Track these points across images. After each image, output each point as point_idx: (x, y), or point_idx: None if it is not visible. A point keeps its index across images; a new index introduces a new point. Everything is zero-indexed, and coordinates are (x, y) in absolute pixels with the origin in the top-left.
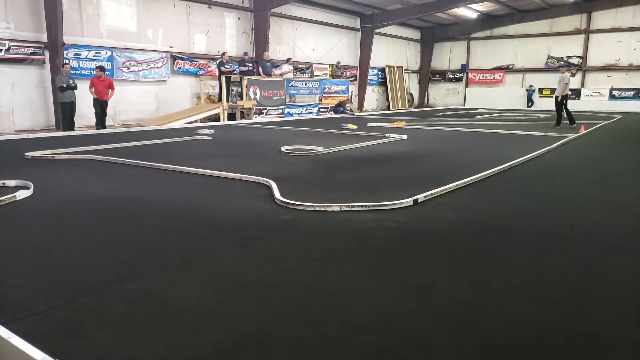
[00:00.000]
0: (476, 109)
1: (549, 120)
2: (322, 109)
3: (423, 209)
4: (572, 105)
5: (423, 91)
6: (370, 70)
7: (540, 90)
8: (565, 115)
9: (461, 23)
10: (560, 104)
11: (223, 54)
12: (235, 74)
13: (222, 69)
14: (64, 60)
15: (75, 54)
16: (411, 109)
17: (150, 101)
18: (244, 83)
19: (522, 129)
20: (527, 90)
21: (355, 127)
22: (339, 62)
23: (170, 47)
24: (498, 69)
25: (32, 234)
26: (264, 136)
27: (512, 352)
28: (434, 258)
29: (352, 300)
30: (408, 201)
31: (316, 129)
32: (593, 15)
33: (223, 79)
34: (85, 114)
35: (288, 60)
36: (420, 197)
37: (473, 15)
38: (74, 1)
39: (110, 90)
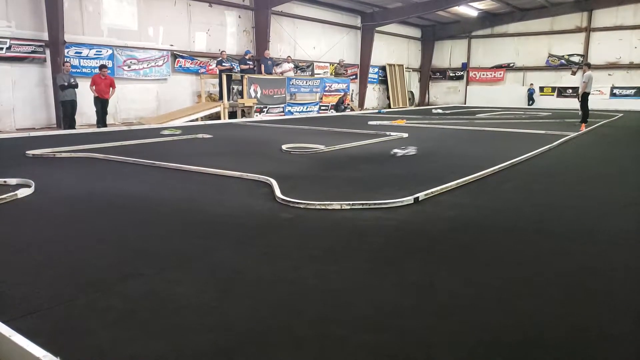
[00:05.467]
0: (477, 107)
1: (550, 119)
2: (322, 107)
3: (424, 207)
4: (573, 103)
5: (424, 89)
6: (371, 68)
7: (541, 89)
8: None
9: (462, 21)
10: (582, 100)
11: (222, 52)
12: (235, 72)
13: (220, 67)
14: (65, 59)
15: (76, 53)
16: (412, 107)
17: (151, 99)
18: (244, 81)
19: (523, 127)
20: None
21: None
22: (342, 60)
23: (171, 45)
24: (499, 67)
25: (34, 232)
26: (265, 134)
27: (513, 350)
28: (435, 256)
29: (353, 298)
30: (409, 199)
31: (317, 127)
32: (594, 13)
33: (224, 77)
34: (86, 112)
35: (287, 58)
36: (421, 195)
37: (474, 13)
38: None
39: (111, 88)
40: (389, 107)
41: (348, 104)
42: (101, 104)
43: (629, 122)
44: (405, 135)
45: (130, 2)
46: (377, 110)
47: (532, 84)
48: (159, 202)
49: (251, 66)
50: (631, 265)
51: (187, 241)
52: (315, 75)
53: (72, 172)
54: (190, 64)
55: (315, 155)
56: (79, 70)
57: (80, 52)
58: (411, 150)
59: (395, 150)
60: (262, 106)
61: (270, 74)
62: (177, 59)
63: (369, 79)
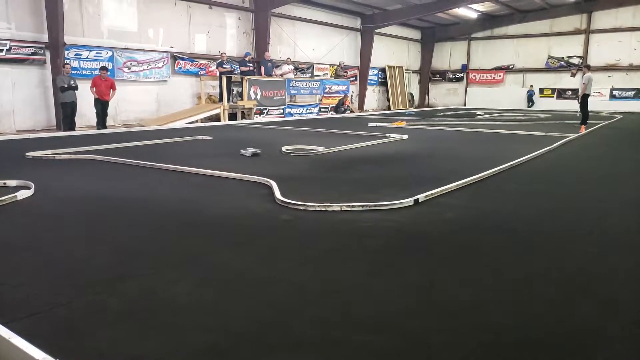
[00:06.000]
0: (477, 109)
1: (549, 120)
2: (322, 109)
3: (424, 209)
4: (573, 104)
5: (423, 91)
6: (370, 70)
7: (541, 91)
8: (583, 112)
9: (462, 23)
10: (582, 102)
11: (222, 54)
12: (235, 74)
13: (220, 69)
14: (65, 61)
15: (76, 54)
16: (412, 109)
17: (150, 101)
18: (244, 83)
19: (523, 129)
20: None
21: None
22: (341, 62)
23: (171, 47)
24: (498, 69)
25: (33, 234)
26: (265, 136)
27: (512, 351)
28: (435, 257)
29: (352, 299)
30: (409, 201)
31: (317, 129)
32: (593, 15)
33: (224, 79)
34: (86, 114)
35: (287, 59)
36: (421, 196)
37: (473, 15)
38: (75, 1)
39: (111, 90)
40: (389, 109)
41: (348, 106)
42: (101, 106)
43: (629, 124)
44: (405, 136)
45: (130, 3)
46: (404, 112)
47: (531, 86)
48: (158, 203)
49: (251, 68)
50: (631, 266)
51: (186, 242)
52: (315, 77)
53: (72, 174)
54: (190, 65)
55: (315, 156)
56: (79, 72)
57: (80, 54)
58: (250, 151)
59: (242, 151)
60: (262, 108)
61: (270, 75)
62: (177, 61)
63: (369, 81)
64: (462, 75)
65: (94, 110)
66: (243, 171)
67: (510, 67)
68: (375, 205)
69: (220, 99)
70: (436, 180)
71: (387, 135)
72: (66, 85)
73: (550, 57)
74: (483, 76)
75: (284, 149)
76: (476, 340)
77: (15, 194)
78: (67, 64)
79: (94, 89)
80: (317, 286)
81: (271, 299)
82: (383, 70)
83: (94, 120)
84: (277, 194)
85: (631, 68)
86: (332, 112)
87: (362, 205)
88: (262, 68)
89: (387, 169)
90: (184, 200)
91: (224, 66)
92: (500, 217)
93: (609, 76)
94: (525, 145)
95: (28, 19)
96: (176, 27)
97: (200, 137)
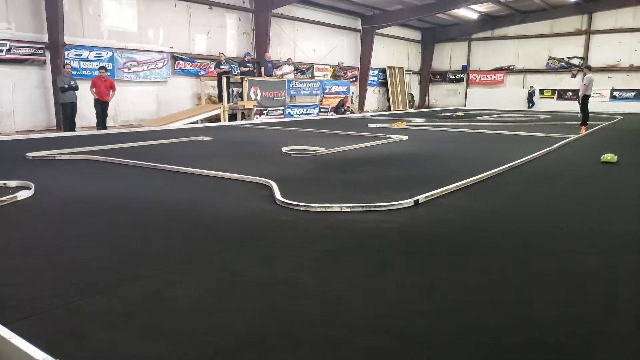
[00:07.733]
0: (477, 110)
1: (549, 122)
2: (322, 110)
3: (424, 210)
4: (573, 105)
5: (424, 92)
6: (371, 71)
7: (541, 91)
8: (584, 113)
9: (462, 24)
10: (583, 103)
11: (220, 54)
12: (235, 75)
13: (217, 70)
14: (65, 61)
15: (76, 55)
16: (412, 110)
17: (151, 102)
18: (244, 84)
19: (523, 130)
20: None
21: None
22: (340, 63)
23: (171, 47)
24: (499, 69)
25: (33, 235)
26: (265, 137)
27: (512, 352)
28: (435, 258)
29: (353, 300)
30: (409, 202)
31: (317, 130)
32: (594, 16)
33: (223, 79)
34: (86, 114)
35: (287, 60)
36: (421, 197)
37: (474, 16)
38: (75, 2)
39: (111, 90)
40: (389, 110)
41: (348, 107)
42: (101, 106)
43: (629, 125)
44: (405, 137)
45: (131, 4)
46: (413, 112)
47: (532, 87)
48: (159, 204)
49: (251, 68)
50: (631, 267)
51: (187, 243)
52: (315, 78)
53: (72, 175)
54: (190, 66)
55: (315, 157)
56: (79, 73)
57: (80, 55)
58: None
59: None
60: (262, 108)
61: (270, 76)
62: (177, 61)
63: (369, 82)
64: (462, 76)
65: (94, 111)
66: (243, 172)
67: (511, 68)
68: (375, 206)
69: (220, 100)
70: (436, 181)
71: (387, 136)
72: (66, 86)
73: (550, 58)
74: (483, 77)
75: (284, 149)
76: (476, 341)
77: (16, 194)
78: (67, 64)
79: (94, 89)
80: (318, 287)
81: (272, 300)
82: (383, 71)
83: (94, 121)
84: (277, 194)
85: (631, 69)
86: (332, 112)
87: (363, 206)
88: (262, 68)
89: (387, 170)
90: (184, 201)
91: (222, 67)
92: (500, 218)
93: (609, 77)
94: (525, 146)
95: (28, 19)
96: (176, 28)
97: (200, 138)
